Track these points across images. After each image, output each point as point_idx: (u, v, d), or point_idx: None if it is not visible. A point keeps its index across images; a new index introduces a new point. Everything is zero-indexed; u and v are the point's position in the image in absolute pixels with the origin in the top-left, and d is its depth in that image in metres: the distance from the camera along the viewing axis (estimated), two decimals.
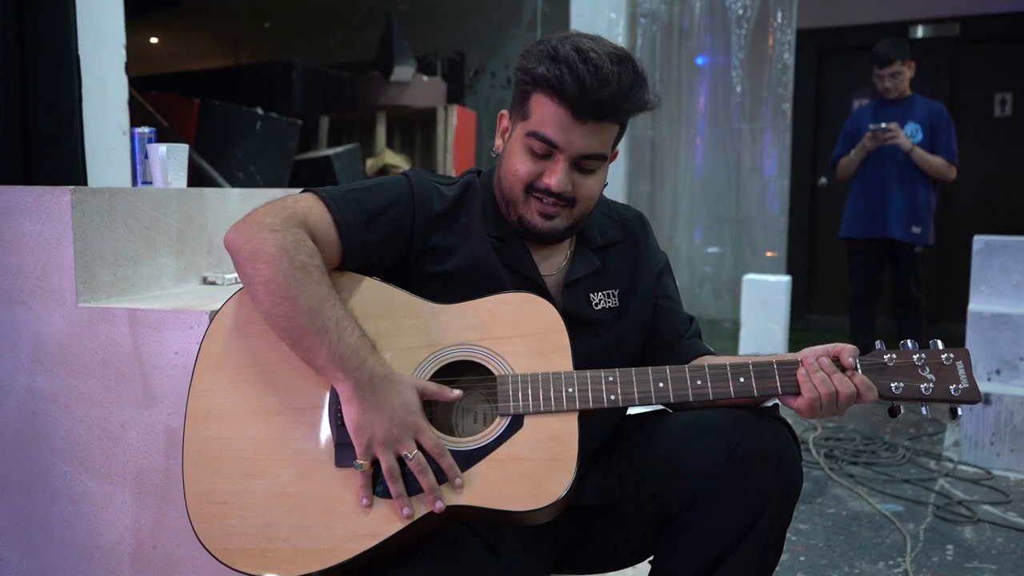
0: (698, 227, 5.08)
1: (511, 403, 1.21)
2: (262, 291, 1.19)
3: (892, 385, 1.21)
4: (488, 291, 1.29)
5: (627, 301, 1.41)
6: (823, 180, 6.47)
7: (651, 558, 1.38)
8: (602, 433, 1.40)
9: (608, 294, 1.40)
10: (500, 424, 1.21)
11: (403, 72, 4.98)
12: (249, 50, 7.23)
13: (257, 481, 1.20)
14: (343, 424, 1.19)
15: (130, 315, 1.58)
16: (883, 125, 4.19)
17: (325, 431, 1.21)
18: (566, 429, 1.20)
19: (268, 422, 1.22)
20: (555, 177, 1.27)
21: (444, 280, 1.32)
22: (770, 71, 4.82)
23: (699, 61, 5.07)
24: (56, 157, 2.22)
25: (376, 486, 1.18)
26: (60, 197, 1.60)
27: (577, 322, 1.34)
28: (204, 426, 1.24)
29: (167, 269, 1.82)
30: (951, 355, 1.22)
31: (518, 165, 1.29)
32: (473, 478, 1.18)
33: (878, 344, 1.23)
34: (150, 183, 1.96)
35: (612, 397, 1.22)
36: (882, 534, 2.74)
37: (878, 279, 4.49)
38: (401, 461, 1.16)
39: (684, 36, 5.05)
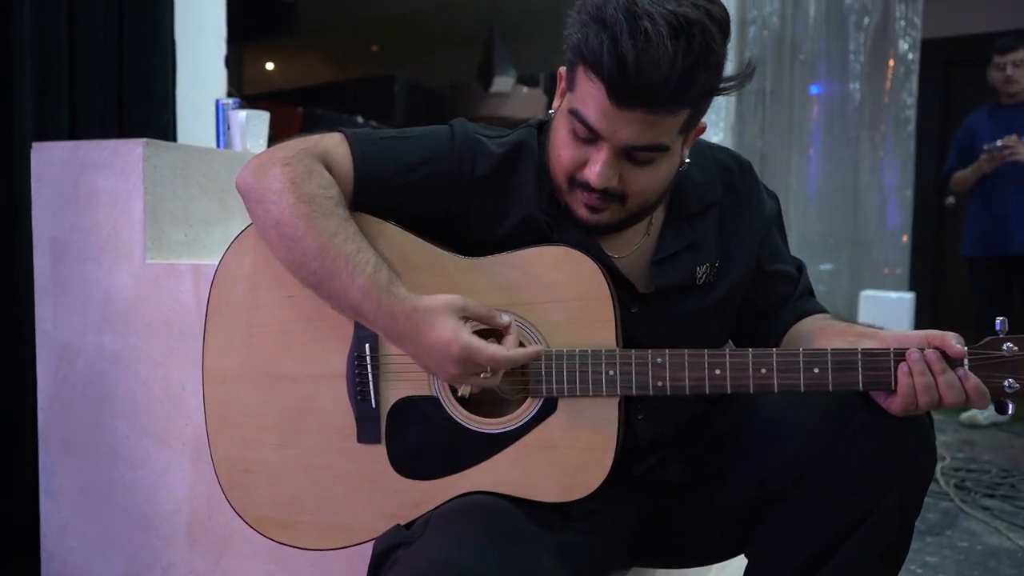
0: (811, 244, 4.77)
1: (543, 384, 1.08)
2: (275, 236, 1.07)
3: (1006, 383, 1.01)
4: None
5: (723, 274, 1.21)
6: (951, 200, 6.01)
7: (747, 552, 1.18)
8: (690, 401, 1.22)
9: (706, 267, 1.20)
10: (532, 406, 1.09)
11: (503, 83, 4.94)
12: (357, 70, 7.42)
13: (282, 451, 1.15)
14: (363, 399, 1.11)
15: (195, 271, 1.52)
16: (999, 143, 3.77)
17: (345, 404, 1.12)
18: (605, 416, 1.07)
19: (288, 389, 1.14)
20: (594, 170, 1.03)
21: (490, 248, 1.13)
22: (892, 75, 4.50)
23: (813, 90, 4.80)
24: (147, 134, 2.23)
25: (400, 465, 1.11)
26: (133, 149, 1.57)
27: (669, 297, 1.18)
28: (223, 389, 1.17)
29: None
30: None
31: (561, 149, 1.07)
32: (501, 464, 1.09)
33: (998, 323, 1.03)
34: None
35: (659, 383, 1.06)
36: None
37: (1005, 302, 4.04)
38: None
39: (797, 42, 4.79)
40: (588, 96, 1.00)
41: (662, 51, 0.92)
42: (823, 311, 1.26)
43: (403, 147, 1.15)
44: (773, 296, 1.26)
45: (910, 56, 4.47)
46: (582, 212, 1.10)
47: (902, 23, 4.47)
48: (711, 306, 1.20)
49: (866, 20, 4.62)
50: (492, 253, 1.12)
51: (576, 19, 1.00)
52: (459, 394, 1.08)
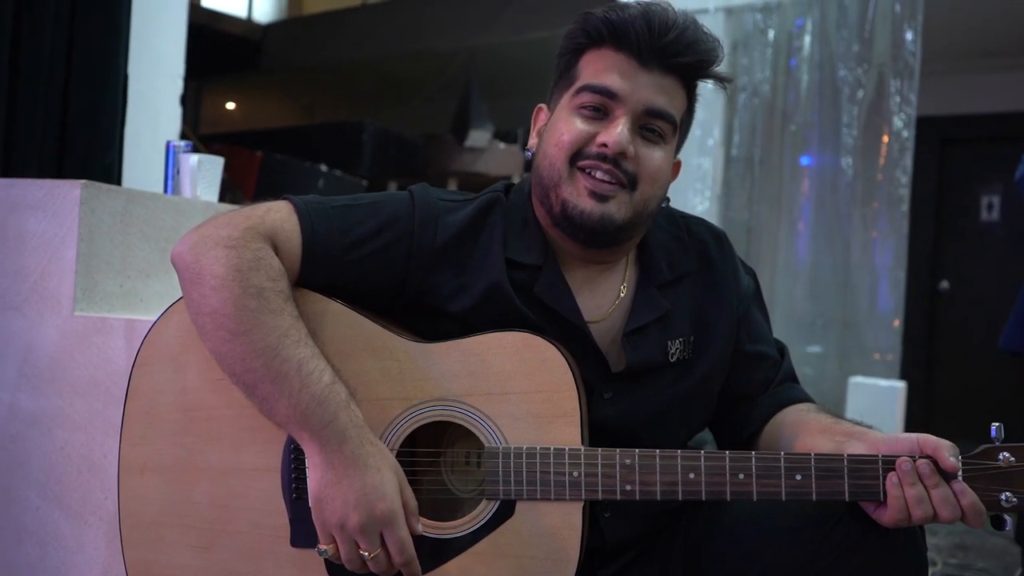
0: (798, 324, 4.82)
1: (500, 485, 1.05)
2: (209, 324, 1.05)
3: (1003, 497, 1.00)
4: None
5: (700, 352, 1.21)
6: (944, 284, 6.14)
7: None
8: (663, 506, 1.19)
9: (679, 343, 1.20)
10: (487, 508, 1.07)
11: (479, 137, 5.00)
12: (324, 115, 7.48)
13: (203, 555, 1.10)
14: (299, 496, 1.07)
15: (128, 326, 1.49)
16: None
17: (279, 502, 1.08)
18: (567, 522, 1.04)
19: (213, 484, 1.10)
20: (613, 132, 1.09)
21: (448, 322, 1.14)
22: (886, 151, 4.63)
23: (803, 161, 4.92)
24: (89, 174, 2.21)
25: (338, 573, 1.05)
26: (69, 191, 1.55)
27: (642, 377, 1.17)
28: (141, 482, 1.12)
29: None
30: None
31: (563, 131, 1.12)
32: (450, 574, 1.05)
33: (993, 430, 1.02)
34: None
35: (628, 487, 1.04)
36: None
37: None
38: None
39: (788, 112, 4.92)
40: (603, 68, 1.11)
41: (676, 18, 1.11)
42: (807, 399, 1.26)
43: (357, 216, 1.14)
44: (752, 381, 1.25)
45: (905, 133, 4.60)
46: (586, 203, 1.11)
47: (897, 99, 4.61)
48: (689, 388, 1.20)
49: (860, 93, 4.76)
50: (447, 331, 1.12)
51: (580, 20, 1.14)
52: (318, 548, 1.02)
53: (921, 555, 1.05)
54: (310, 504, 1.02)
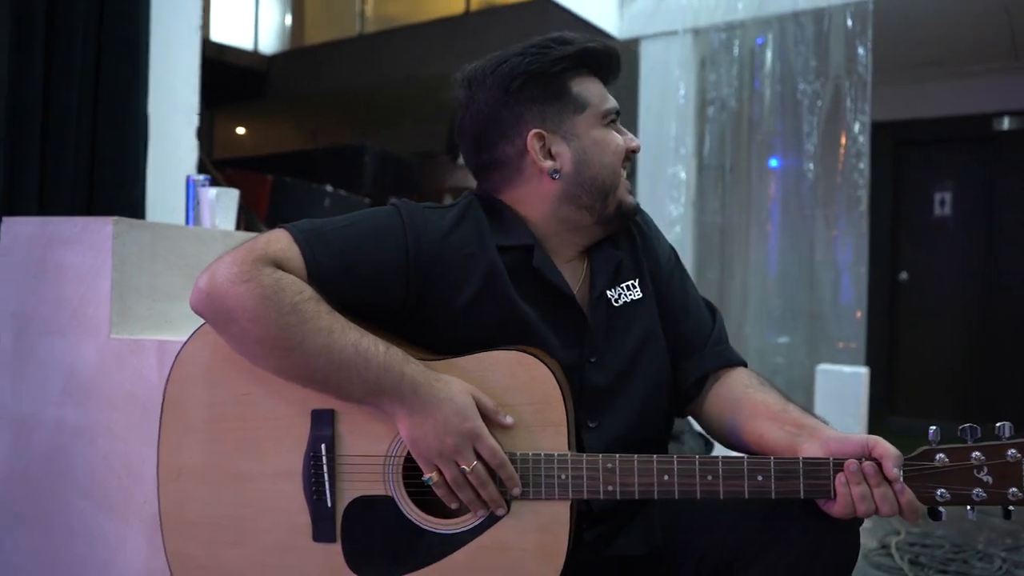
0: (769, 317, 4.89)
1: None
2: (261, 351, 1.09)
3: (938, 493, 1.06)
4: (507, 328, 1.17)
5: (647, 289, 1.30)
6: (904, 275, 6.21)
7: None
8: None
9: (628, 286, 1.28)
10: None
11: None
12: (329, 138, 7.53)
13: (235, 550, 1.15)
14: (319, 498, 1.13)
15: (159, 347, 1.55)
16: None
17: (301, 503, 1.14)
18: (556, 519, 1.11)
19: (243, 487, 1.15)
20: (631, 135, 1.28)
21: (453, 322, 1.17)
22: (844, 156, 4.71)
23: (771, 164, 5.00)
24: (117, 209, 2.27)
25: (355, 564, 1.12)
26: (102, 227, 1.61)
27: (605, 331, 1.24)
28: (178, 485, 1.17)
29: None
30: (1017, 452, 1.05)
31: (614, 143, 1.25)
32: (455, 564, 1.11)
33: (931, 432, 1.08)
34: None
35: (610, 488, 1.10)
36: None
37: None
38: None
39: (754, 123, 5.00)
40: (600, 92, 1.25)
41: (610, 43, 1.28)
42: (744, 363, 1.32)
43: (352, 236, 1.16)
44: (689, 332, 1.32)
45: (860, 139, 4.68)
46: (630, 197, 1.27)
47: (852, 108, 4.70)
48: (653, 324, 1.27)
49: (819, 103, 4.84)
50: (451, 335, 1.16)
51: (557, 48, 1.22)
52: (424, 477, 1.09)
53: (855, 540, 1.12)
54: (408, 447, 1.09)
